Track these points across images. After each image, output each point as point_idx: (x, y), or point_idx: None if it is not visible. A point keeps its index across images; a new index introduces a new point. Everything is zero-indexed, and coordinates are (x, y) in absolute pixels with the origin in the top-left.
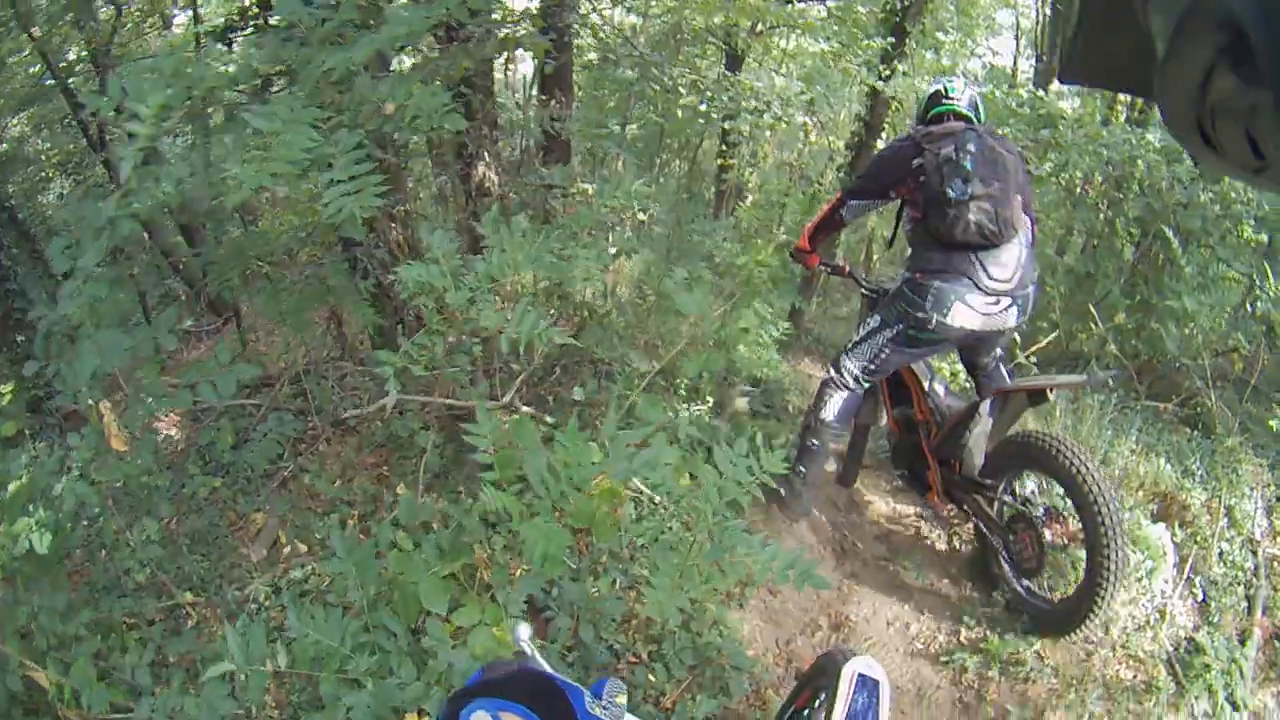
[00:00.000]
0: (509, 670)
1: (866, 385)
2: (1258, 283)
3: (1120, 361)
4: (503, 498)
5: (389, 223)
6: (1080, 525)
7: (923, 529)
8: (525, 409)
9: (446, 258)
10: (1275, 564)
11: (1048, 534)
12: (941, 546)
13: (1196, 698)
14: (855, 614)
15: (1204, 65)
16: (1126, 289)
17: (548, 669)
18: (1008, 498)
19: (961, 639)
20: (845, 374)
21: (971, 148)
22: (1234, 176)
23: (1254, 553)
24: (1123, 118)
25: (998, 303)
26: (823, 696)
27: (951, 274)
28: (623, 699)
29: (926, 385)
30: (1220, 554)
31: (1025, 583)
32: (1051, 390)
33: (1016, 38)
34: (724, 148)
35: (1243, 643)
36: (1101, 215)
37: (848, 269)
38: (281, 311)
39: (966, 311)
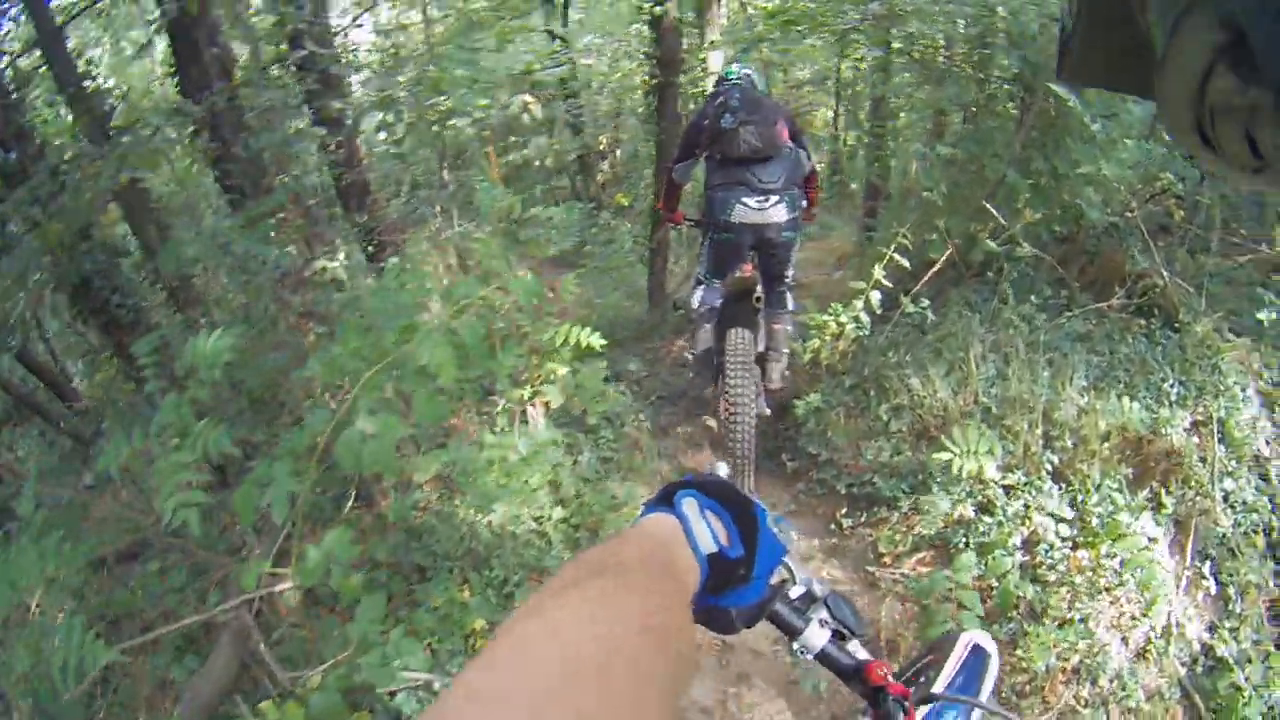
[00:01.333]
0: (714, 478)
1: (715, 282)
2: None
3: (1039, 259)
4: None
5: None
6: None
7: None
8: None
9: None
10: None
11: None
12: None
13: None
14: None
15: (1203, 65)
16: (1023, 167)
17: None
18: None
19: None
20: (701, 275)
21: (736, 94)
22: (1233, 176)
23: (1265, 478)
24: None
25: (767, 199)
26: (930, 673)
27: (730, 184)
28: (793, 534)
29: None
30: (1225, 497)
31: None
32: (756, 297)
33: None
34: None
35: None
36: (965, 80)
37: (705, 218)
38: None
39: (744, 210)
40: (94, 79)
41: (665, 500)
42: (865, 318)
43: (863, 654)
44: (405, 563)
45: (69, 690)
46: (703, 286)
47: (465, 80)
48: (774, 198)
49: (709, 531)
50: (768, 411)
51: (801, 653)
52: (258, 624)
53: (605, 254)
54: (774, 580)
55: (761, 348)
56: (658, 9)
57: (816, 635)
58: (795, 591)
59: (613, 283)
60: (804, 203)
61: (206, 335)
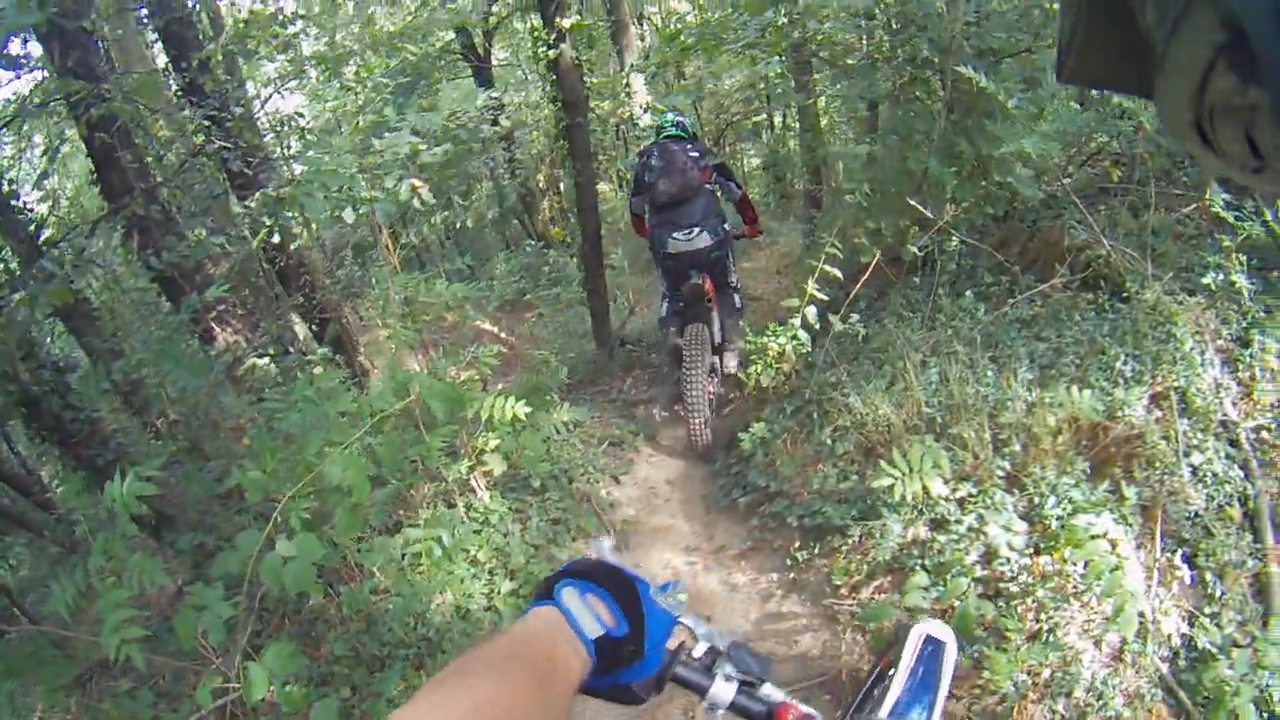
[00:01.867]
0: (591, 562)
1: (675, 294)
2: None
3: (976, 248)
4: None
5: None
6: None
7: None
8: None
9: None
10: (1264, 433)
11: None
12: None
13: None
14: None
15: (1203, 64)
16: (946, 155)
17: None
18: None
19: None
20: (663, 291)
21: (655, 152)
22: (1232, 177)
23: (1234, 443)
24: None
25: (690, 231)
26: (889, 675)
27: (662, 224)
28: (684, 598)
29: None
30: (1193, 472)
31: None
32: (708, 299)
33: None
34: (511, 176)
35: (1267, 619)
36: (882, 71)
37: (651, 250)
38: None
39: (675, 242)
40: (17, 198)
41: (548, 593)
42: (804, 335)
43: (778, 696)
44: (365, 653)
45: None
46: (666, 300)
47: (322, 184)
48: (696, 229)
49: (591, 616)
50: (720, 389)
51: (712, 709)
52: None
53: (553, 296)
54: (672, 645)
55: (718, 340)
56: (551, 52)
57: (723, 689)
58: (699, 649)
59: (562, 324)
60: (726, 227)
61: (120, 480)
